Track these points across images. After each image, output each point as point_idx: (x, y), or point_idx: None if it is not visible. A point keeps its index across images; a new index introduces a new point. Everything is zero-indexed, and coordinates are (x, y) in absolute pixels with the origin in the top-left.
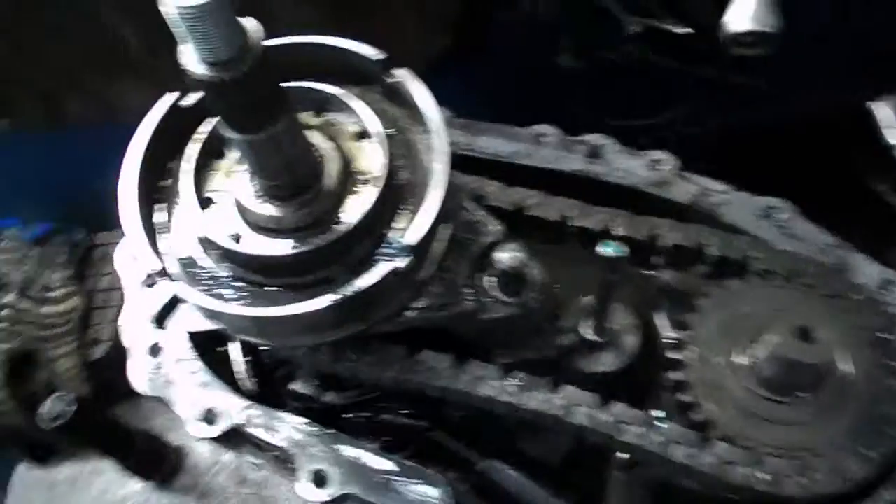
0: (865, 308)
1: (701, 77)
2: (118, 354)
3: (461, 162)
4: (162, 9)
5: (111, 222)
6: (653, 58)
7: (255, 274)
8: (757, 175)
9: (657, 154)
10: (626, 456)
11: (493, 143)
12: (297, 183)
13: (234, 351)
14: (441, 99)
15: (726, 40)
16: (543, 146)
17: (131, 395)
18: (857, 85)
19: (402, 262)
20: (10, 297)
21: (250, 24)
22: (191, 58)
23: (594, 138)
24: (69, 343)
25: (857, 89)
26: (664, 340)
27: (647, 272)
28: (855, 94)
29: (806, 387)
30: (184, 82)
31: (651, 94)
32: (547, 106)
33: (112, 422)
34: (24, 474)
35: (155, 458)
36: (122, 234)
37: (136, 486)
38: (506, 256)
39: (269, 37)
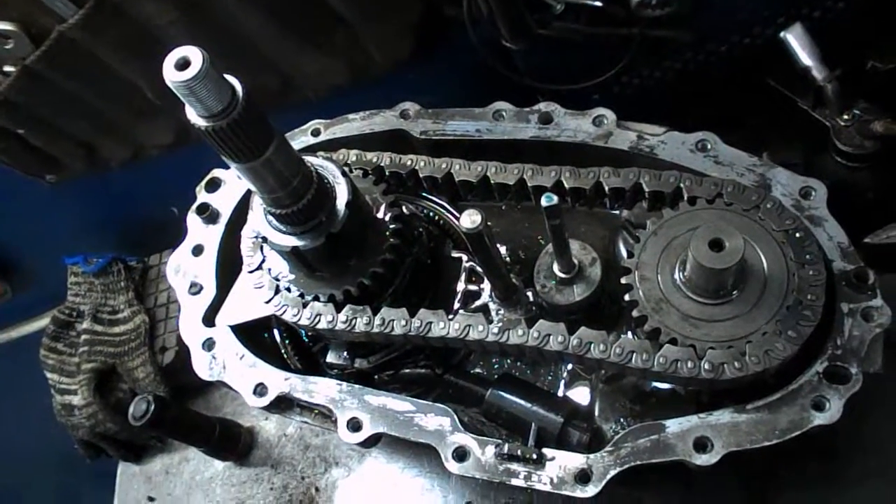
0: (775, 214)
1: (627, 37)
2: (186, 356)
3: (434, 146)
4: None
5: (158, 246)
6: (582, 29)
7: None
8: (699, 113)
9: (600, 111)
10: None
11: (460, 125)
12: (296, 192)
13: (277, 336)
14: (409, 93)
15: (635, 5)
16: (502, 121)
17: (203, 390)
18: (768, 20)
19: None
20: (85, 325)
21: (234, 79)
22: (192, 114)
23: (544, 106)
24: (142, 354)
25: (769, 24)
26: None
27: (607, 211)
28: (767, 29)
29: (730, 287)
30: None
31: (589, 58)
32: (502, 85)
33: (190, 413)
34: (125, 471)
35: (231, 441)
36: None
37: (219, 466)
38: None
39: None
